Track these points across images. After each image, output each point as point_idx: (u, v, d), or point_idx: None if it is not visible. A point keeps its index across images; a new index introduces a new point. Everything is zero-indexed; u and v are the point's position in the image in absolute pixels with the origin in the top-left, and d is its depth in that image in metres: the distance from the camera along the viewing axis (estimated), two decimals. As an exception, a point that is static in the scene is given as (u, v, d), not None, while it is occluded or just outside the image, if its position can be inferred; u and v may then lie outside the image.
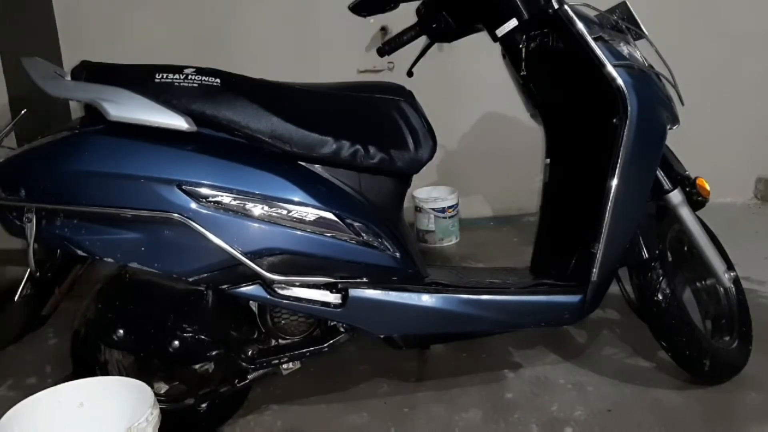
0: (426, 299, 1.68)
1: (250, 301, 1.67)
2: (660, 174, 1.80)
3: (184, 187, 1.49)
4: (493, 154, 3.21)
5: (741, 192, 3.45)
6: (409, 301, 1.67)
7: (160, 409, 1.33)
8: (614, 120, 1.65)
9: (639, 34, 1.84)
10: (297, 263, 1.58)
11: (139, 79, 1.53)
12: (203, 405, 1.72)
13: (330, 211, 1.58)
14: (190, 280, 1.56)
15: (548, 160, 1.87)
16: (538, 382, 1.96)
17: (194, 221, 1.48)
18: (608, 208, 1.66)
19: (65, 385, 1.43)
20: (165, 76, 1.53)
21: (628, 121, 1.63)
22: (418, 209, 3.04)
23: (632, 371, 1.99)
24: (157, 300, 1.61)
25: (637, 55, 1.77)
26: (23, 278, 1.59)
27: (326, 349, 1.69)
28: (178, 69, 1.55)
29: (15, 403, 1.34)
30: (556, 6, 1.67)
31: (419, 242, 2.97)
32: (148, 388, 1.38)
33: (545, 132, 1.89)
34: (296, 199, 1.56)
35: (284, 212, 1.55)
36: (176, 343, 1.60)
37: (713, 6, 3.26)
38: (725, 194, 3.29)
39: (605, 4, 1.87)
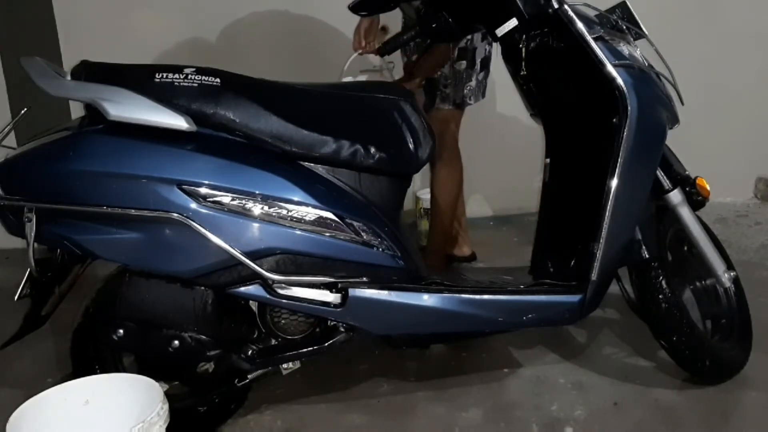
0: (426, 299, 1.68)
1: (250, 301, 1.66)
2: (660, 174, 1.81)
3: (184, 186, 1.49)
4: (493, 154, 3.20)
5: (741, 192, 3.45)
6: (409, 300, 1.67)
7: (162, 408, 1.33)
8: (614, 120, 1.65)
9: (639, 34, 1.84)
10: (297, 263, 1.58)
11: (139, 78, 1.53)
12: (203, 405, 1.72)
13: (330, 211, 1.58)
14: (190, 279, 1.56)
15: (548, 160, 1.87)
16: (538, 382, 1.96)
17: (194, 221, 1.48)
18: (608, 207, 1.66)
19: (72, 383, 1.42)
20: (165, 75, 1.54)
21: (628, 121, 1.63)
22: (419, 209, 3.03)
23: (632, 371, 1.99)
24: (156, 300, 1.61)
25: (637, 55, 1.77)
26: (23, 278, 1.59)
27: (326, 348, 1.68)
28: (178, 69, 1.56)
29: (15, 403, 1.33)
30: (556, 6, 1.67)
31: (420, 242, 2.97)
32: (157, 384, 1.38)
33: (545, 132, 1.88)
34: (296, 198, 1.56)
35: (284, 212, 1.55)
36: (176, 343, 1.61)
37: (713, 5, 3.25)
38: (725, 194, 3.28)
39: (605, 4, 1.87)
